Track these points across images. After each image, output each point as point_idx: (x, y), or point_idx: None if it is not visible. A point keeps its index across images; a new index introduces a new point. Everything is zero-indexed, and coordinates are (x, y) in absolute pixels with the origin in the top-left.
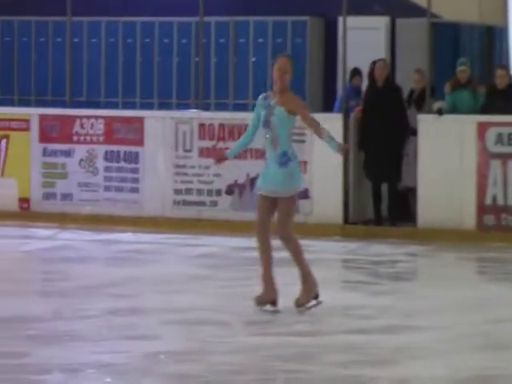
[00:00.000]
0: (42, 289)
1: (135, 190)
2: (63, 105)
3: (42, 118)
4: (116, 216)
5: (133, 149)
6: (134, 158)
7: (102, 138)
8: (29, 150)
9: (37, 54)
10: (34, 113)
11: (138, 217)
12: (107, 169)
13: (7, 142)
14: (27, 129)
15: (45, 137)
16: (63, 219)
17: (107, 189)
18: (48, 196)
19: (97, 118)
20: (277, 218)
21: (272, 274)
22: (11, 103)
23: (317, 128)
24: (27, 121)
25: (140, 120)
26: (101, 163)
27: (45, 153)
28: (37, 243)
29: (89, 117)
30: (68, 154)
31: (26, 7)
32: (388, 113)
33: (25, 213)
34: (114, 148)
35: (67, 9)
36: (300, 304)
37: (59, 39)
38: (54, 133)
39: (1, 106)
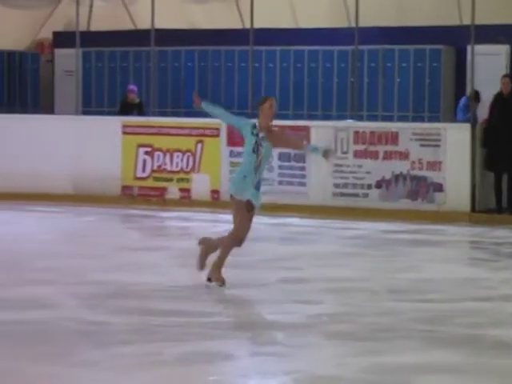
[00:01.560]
0: (230, 262)
1: (302, 184)
2: (246, 116)
3: (229, 126)
4: (287, 204)
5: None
6: (301, 158)
7: None
8: (219, 152)
9: (225, 76)
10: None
11: (304, 205)
12: (281, 167)
13: (202, 146)
14: (217, 135)
15: (231, 141)
16: None
17: (281, 183)
18: None
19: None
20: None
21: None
22: (206, 115)
23: (298, 143)
24: (218, 129)
25: (306, 128)
26: (276, 162)
27: (231, 154)
28: (224, 226)
29: None
30: None
31: (217, 39)
32: (510, 117)
33: (215, 202)
34: (286, 150)
35: (250, 40)
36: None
37: (243, 64)
38: (239, 138)
39: (197, 117)
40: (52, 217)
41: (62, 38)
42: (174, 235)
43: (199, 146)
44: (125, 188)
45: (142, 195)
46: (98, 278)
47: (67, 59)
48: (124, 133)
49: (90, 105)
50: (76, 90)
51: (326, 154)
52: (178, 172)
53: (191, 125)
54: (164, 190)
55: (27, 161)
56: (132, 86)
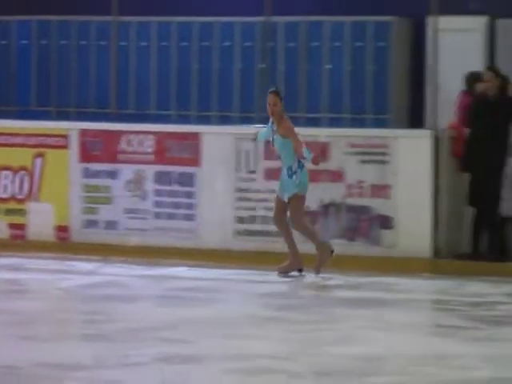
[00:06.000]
0: (82, 332)
1: (190, 218)
2: (107, 118)
3: (83, 133)
4: (168, 248)
5: (188, 169)
6: (189, 180)
7: (151, 157)
8: (67, 170)
9: (78, 60)
10: (73, 127)
11: (193, 248)
12: (158, 192)
13: (43, 162)
14: (66, 146)
15: (86, 155)
16: (107, 251)
17: (158, 216)
18: (90, 224)
19: (146, 133)
20: (290, 215)
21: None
22: (48, 116)
23: (299, 149)
24: (66, 136)
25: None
26: (150, 186)
27: (86, 174)
28: (77, 279)
29: (137, 132)
30: (113, 175)
31: (64, 6)
32: (498, 130)
33: (63, 243)
34: (166, 169)
35: (112, 8)
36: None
37: (103, 42)
38: (97, 151)
39: (36, 119)
40: None
41: None
42: (2, 293)
43: (38, 161)
44: None
45: None
46: None
47: None
48: None
49: None
50: None
51: (315, 160)
52: (6, 200)
53: (25, 130)
54: None
55: None
56: None
